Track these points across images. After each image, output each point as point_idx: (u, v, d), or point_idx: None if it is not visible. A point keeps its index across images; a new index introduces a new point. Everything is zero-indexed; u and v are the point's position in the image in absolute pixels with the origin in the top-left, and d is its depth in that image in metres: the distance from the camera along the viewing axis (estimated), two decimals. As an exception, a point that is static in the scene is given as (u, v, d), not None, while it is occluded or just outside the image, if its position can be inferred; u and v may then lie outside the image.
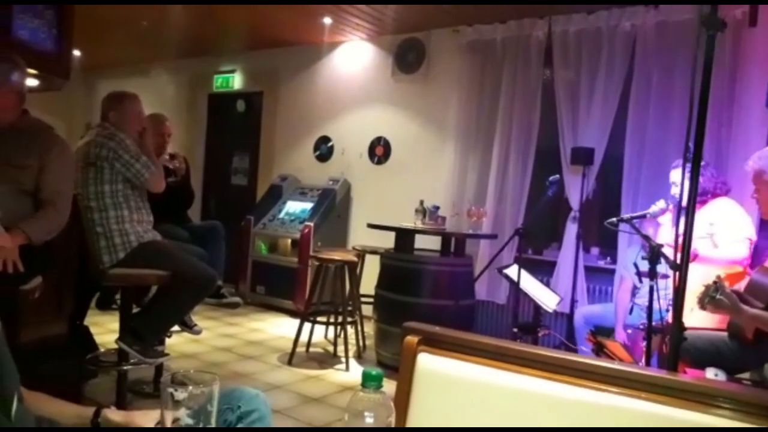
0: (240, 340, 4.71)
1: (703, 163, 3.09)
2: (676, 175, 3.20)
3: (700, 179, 2.93)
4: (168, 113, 4.13)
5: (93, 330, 3.43)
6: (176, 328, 3.37)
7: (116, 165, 2.84)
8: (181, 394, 0.87)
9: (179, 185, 3.71)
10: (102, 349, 3.36)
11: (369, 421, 0.90)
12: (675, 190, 3.21)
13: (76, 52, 6.58)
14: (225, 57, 7.21)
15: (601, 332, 3.72)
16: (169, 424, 0.92)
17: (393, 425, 0.93)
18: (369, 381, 0.91)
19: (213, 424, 0.90)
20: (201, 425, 0.88)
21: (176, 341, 4.09)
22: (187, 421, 0.87)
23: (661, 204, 2.98)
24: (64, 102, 7.24)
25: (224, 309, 4.51)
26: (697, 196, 2.85)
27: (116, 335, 2.91)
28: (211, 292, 3.06)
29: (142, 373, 3.44)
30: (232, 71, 7.19)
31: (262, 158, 7.00)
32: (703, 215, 2.96)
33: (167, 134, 3.73)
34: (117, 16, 5.75)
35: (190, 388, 0.88)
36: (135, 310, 3.10)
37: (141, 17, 5.81)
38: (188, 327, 3.45)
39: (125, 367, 2.93)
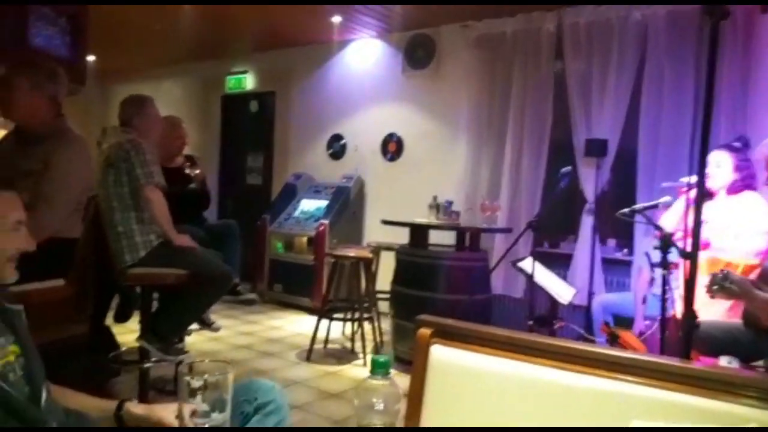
0: (259, 338, 4.77)
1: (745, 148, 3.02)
2: (717, 156, 3.03)
3: (744, 164, 2.88)
4: (182, 115, 4.20)
5: (114, 330, 3.50)
6: (196, 326, 3.43)
7: (124, 165, 2.84)
8: (196, 382, 0.90)
9: (197, 191, 3.78)
10: (123, 348, 3.42)
11: (378, 407, 0.93)
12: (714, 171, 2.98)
13: (91, 58, 6.68)
14: (237, 58, 7.28)
15: (619, 322, 3.71)
16: (186, 415, 0.96)
17: (400, 412, 0.96)
18: (377, 368, 0.94)
19: (228, 410, 0.94)
20: (217, 412, 0.92)
21: (196, 339, 4.16)
22: (203, 407, 0.91)
23: (668, 198, 2.94)
24: (79, 107, 7.32)
25: (241, 306, 4.58)
26: (739, 180, 2.82)
27: (136, 335, 2.97)
28: (228, 290, 3.12)
29: (164, 371, 3.50)
30: (245, 72, 7.26)
31: (276, 157, 7.07)
32: (731, 203, 2.89)
33: (184, 137, 3.81)
34: (130, 21, 5.83)
35: (206, 376, 0.91)
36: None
37: (154, 22, 5.88)
38: (207, 325, 3.52)
39: (147, 365, 2.98)
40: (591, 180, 4.59)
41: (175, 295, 3.01)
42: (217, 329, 3.60)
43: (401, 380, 0.95)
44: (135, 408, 1.35)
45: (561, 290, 3.78)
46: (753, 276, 2.38)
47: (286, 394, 1.48)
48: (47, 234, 2.42)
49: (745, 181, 2.97)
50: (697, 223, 1.69)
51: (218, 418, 0.92)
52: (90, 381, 2.87)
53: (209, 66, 7.54)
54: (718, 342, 2.37)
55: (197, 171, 3.78)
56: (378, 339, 4.60)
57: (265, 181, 7.24)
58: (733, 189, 2.93)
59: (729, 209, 2.84)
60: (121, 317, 3.58)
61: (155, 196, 2.87)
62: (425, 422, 1.37)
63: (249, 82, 7.25)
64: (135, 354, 3.10)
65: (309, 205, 6.16)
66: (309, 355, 4.22)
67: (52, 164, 2.43)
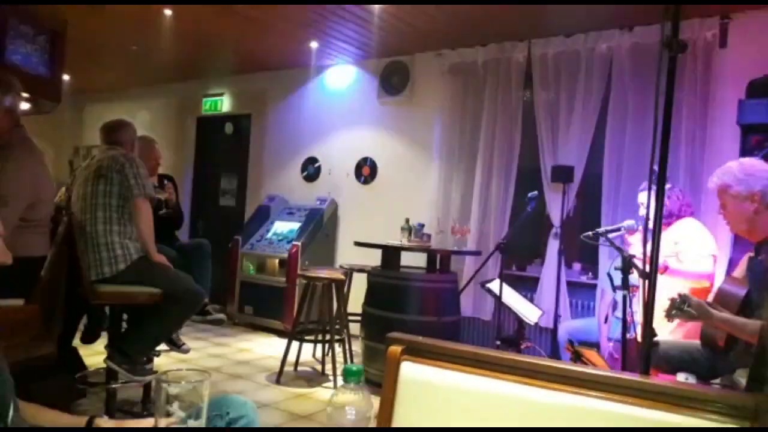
0: (228, 360, 4.73)
1: (669, 186, 3.21)
2: (643, 196, 3.27)
3: (666, 201, 3.06)
4: (157, 136, 4.21)
5: (81, 351, 3.46)
6: (164, 347, 3.41)
7: (117, 176, 2.93)
8: (174, 389, 0.93)
9: (169, 215, 3.79)
10: (90, 370, 3.37)
11: (350, 415, 0.97)
12: (642, 211, 3.28)
13: (66, 76, 6.65)
14: (213, 80, 7.32)
15: (585, 347, 3.79)
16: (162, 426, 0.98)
17: (372, 419, 0.99)
18: (350, 376, 0.98)
19: (203, 418, 0.97)
20: (192, 418, 0.94)
21: (164, 361, 4.10)
22: (179, 413, 0.94)
23: (630, 222, 3.08)
24: (52, 125, 7.29)
25: (211, 328, 4.55)
26: (662, 218, 2.97)
27: (103, 357, 2.94)
28: (198, 310, 3.12)
29: (131, 393, 3.45)
30: (221, 94, 7.29)
31: (250, 179, 7.07)
32: (668, 236, 3.04)
33: (158, 157, 3.83)
34: (107, 40, 5.83)
35: (183, 383, 0.94)
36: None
37: (130, 42, 5.89)
38: (176, 346, 3.50)
39: (114, 386, 2.95)
40: (557, 205, 4.72)
41: (145, 314, 3.00)
42: (186, 351, 3.58)
43: (371, 400, 0.98)
44: (105, 424, 1.34)
45: (527, 311, 3.86)
46: (710, 298, 2.48)
47: (257, 410, 1.49)
48: None
49: (678, 211, 3.14)
50: (656, 243, 1.77)
51: (194, 425, 0.95)
52: (55, 402, 2.83)
53: (185, 87, 7.55)
54: (676, 361, 2.46)
55: (165, 195, 3.77)
56: (348, 361, 4.61)
57: (238, 203, 7.23)
58: (667, 223, 3.08)
59: (668, 240, 2.97)
60: (88, 338, 3.53)
61: (145, 207, 2.98)
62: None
63: (225, 104, 7.28)
64: (101, 375, 3.06)
65: (282, 227, 6.17)
66: (279, 378, 4.20)
67: (8, 167, 2.42)
